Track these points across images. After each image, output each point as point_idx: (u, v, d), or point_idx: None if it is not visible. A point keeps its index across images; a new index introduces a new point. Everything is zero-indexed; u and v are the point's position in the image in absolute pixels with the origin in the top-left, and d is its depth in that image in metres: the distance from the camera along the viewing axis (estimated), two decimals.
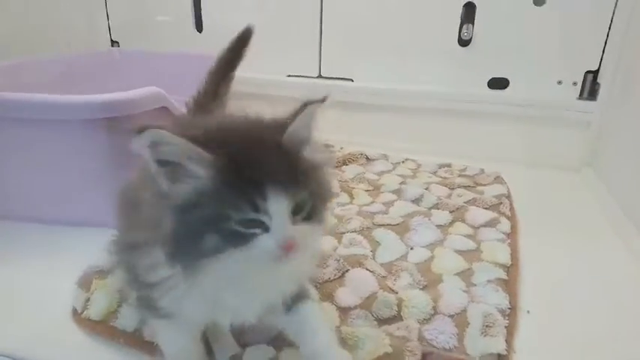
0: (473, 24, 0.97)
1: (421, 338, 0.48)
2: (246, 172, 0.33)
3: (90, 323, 0.49)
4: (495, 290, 0.54)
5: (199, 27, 1.17)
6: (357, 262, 0.59)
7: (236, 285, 0.37)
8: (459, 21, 0.98)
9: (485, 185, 0.87)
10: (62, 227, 0.68)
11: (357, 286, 0.54)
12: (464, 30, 0.97)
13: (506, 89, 1.01)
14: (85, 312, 0.49)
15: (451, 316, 0.51)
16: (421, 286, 0.56)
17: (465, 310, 0.51)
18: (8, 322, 0.52)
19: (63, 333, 0.49)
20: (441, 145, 1.03)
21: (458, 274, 0.58)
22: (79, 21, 1.19)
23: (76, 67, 1.04)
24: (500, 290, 0.54)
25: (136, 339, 0.47)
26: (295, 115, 0.37)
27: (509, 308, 0.52)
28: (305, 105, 0.37)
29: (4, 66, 0.86)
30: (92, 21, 1.22)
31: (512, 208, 0.78)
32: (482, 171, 0.94)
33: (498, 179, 0.89)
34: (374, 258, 0.62)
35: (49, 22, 1.08)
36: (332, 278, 0.55)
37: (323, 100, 0.37)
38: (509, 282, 0.57)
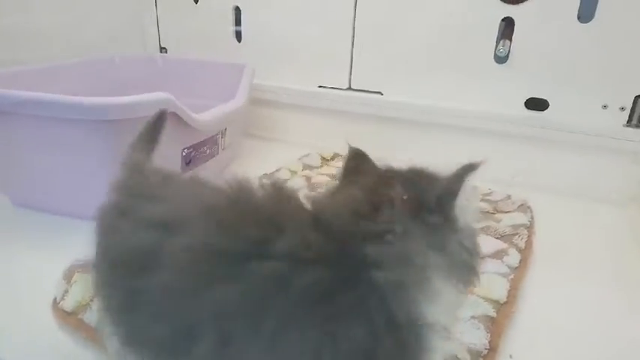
0: (510, 40, 0.91)
1: None
2: None
3: (62, 314, 0.51)
4: (477, 328, 0.50)
5: (238, 37, 1.21)
6: None
7: None
8: (495, 36, 0.93)
9: (506, 212, 0.81)
10: (75, 220, 0.73)
11: None
12: (500, 46, 0.92)
13: (545, 111, 0.93)
14: (61, 303, 0.52)
15: None
16: None
17: None
18: None
19: (43, 322, 0.52)
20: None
21: None
22: (130, 27, 1.28)
23: (115, 71, 1.11)
24: (481, 328, 0.50)
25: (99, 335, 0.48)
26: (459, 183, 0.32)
27: (487, 349, 0.48)
28: (466, 170, 0.32)
29: (44, 68, 0.93)
30: (143, 27, 1.30)
31: (529, 240, 0.71)
32: (508, 197, 0.87)
33: (523, 207, 0.82)
34: None
35: (100, 27, 1.17)
36: None
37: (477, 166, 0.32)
38: (496, 320, 0.52)
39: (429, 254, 0.30)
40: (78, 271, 0.55)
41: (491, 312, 0.53)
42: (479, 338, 0.48)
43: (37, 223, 0.74)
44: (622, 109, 0.87)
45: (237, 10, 1.19)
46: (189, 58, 1.18)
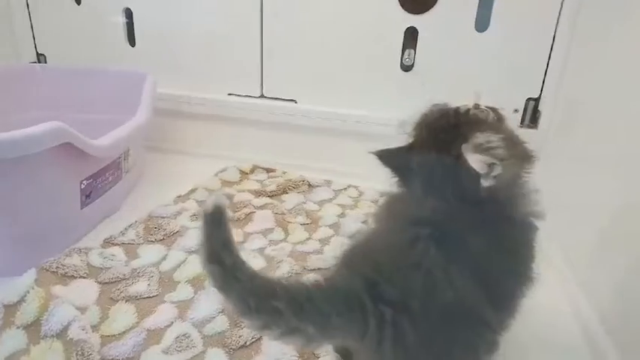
0: (415, 49, 0.95)
1: None
2: None
3: None
4: None
5: (132, 41, 1.09)
6: None
7: None
8: (401, 46, 0.95)
9: None
10: None
11: (275, 353, 0.49)
12: (405, 55, 0.95)
13: None
14: None
15: None
16: None
17: None
18: None
19: None
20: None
21: None
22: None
23: None
24: None
25: None
26: None
27: None
28: None
29: None
30: (16, 32, 1.12)
31: None
32: None
33: None
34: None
35: None
36: (248, 342, 0.50)
37: None
38: None
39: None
40: None
41: None
42: None
43: None
44: (515, 111, 0.95)
45: (129, 12, 1.07)
46: (78, 67, 1.04)
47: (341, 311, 0.34)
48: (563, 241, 0.73)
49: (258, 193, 0.91)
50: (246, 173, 1.01)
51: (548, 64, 0.90)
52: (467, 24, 0.91)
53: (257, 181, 0.98)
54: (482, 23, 0.91)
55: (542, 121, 0.93)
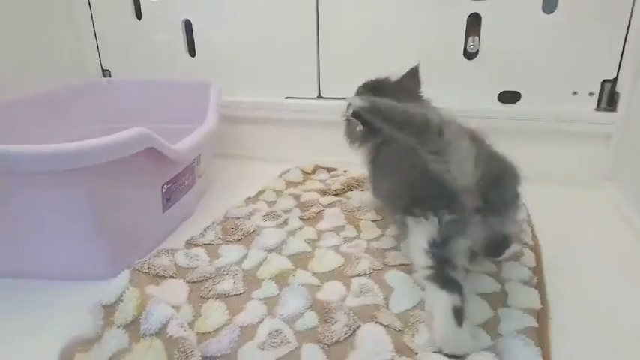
0: (479, 36, 0.92)
1: None
2: None
3: None
4: (525, 344, 0.48)
5: (192, 51, 1.13)
6: (369, 314, 0.53)
7: None
8: (463, 33, 0.93)
9: None
10: (47, 281, 0.63)
11: (371, 349, 0.48)
12: (469, 42, 0.92)
13: (519, 103, 0.95)
14: None
15: None
16: None
17: None
18: None
19: None
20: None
21: (482, 324, 0.52)
22: (68, 51, 1.15)
23: (64, 101, 1.00)
24: (531, 344, 0.48)
25: None
26: None
27: None
28: None
29: None
30: (82, 50, 1.18)
31: (533, 236, 0.72)
32: None
33: None
34: (387, 307, 0.56)
35: (36, 55, 1.04)
36: (342, 338, 0.50)
37: None
38: (539, 331, 0.51)
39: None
40: (78, 351, 0.47)
41: (534, 322, 0.51)
42: (532, 355, 0.47)
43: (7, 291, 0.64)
44: (591, 94, 0.90)
45: (188, 24, 1.10)
46: (142, 79, 1.08)
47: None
48: None
49: (323, 192, 0.90)
50: (309, 173, 1.01)
51: (625, 43, 0.85)
52: (533, 6, 0.88)
53: (320, 180, 0.98)
54: (549, 4, 0.87)
55: (621, 103, 0.88)
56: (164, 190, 0.71)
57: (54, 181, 0.56)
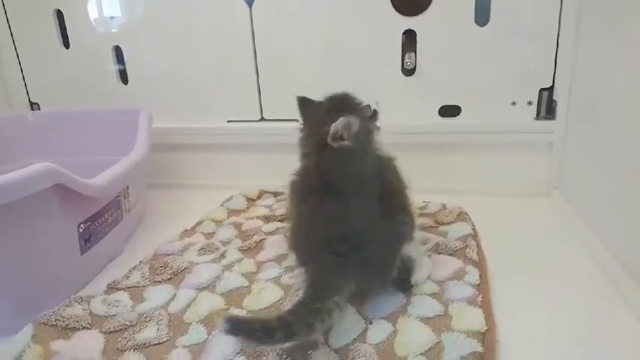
0: (415, 52, 0.91)
1: None
2: None
3: None
4: None
5: (124, 79, 1.07)
6: (305, 354, 0.48)
7: None
8: (400, 50, 0.92)
9: (448, 224, 0.79)
10: None
11: None
12: (406, 59, 0.91)
13: (459, 116, 0.94)
14: None
15: None
16: None
17: None
18: None
19: None
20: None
21: (426, 352, 0.48)
22: None
23: None
24: None
25: None
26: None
27: None
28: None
29: None
30: (6, 83, 1.11)
31: (479, 251, 0.69)
32: (444, 207, 0.86)
33: (461, 216, 0.81)
34: (327, 342, 0.51)
35: None
36: None
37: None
38: (485, 356, 0.47)
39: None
40: None
41: (479, 347, 0.48)
42: None
43: None
44: (529, 103, 0.90)
45: (118, 50, 1.05)
46: (69, 111, 1.01)
47: None
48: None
49: (267, 219, 0.86)
50: (254, 199, 0.96)
51: (557, 51, 0.86)
52: (466, 19, 0.88)
53: (265, 206, 0.93)
54: (482, 16, 0.87)
55: (560, 110, 0.88)
56: (81, 230, 0.64)
57: None
